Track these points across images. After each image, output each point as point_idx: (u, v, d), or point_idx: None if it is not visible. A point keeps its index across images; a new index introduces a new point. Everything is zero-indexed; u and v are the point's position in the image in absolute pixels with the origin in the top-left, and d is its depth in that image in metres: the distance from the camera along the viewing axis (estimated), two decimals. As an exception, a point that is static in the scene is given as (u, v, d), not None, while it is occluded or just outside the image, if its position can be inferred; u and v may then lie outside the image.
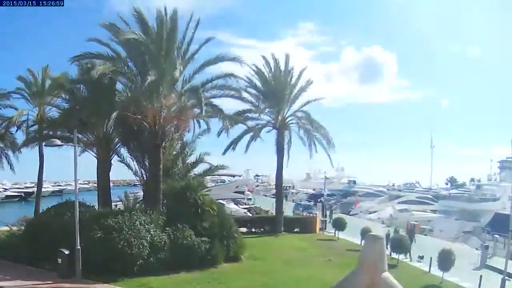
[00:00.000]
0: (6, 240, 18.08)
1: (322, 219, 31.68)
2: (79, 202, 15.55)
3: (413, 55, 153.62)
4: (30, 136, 26.03)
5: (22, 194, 65.97)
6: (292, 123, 28.85)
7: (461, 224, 33.18)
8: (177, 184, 19.57)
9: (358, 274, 7.47)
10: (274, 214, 29.63)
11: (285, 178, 33.25)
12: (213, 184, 44.69)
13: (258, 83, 28.29)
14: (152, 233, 15.68)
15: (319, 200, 47.67)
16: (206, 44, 19.07)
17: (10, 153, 26.56)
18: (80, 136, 19.51)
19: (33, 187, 52.50)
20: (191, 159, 24.99)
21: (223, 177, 52.68)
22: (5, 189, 68.93)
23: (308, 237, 26.69)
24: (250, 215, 35.00)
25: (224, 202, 31.12)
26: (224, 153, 27.96)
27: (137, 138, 20.08)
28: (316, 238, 26.76)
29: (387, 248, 14.20)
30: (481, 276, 15.58)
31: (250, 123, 28.11)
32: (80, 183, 51.57)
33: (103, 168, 21.82)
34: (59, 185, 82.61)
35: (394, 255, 19.47)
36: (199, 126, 22.62)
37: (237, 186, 49.24)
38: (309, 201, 51.19)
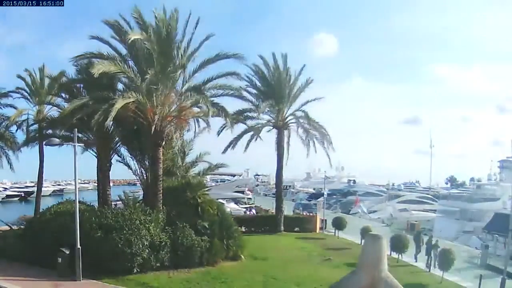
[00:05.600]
0: (6, 239, 18.08)
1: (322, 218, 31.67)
2: (79, 201, 15.55)
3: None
4: (30, 135, 26.02)
5: (22, 193, 65.92)
6: (292, 123, 28.88)
7: (461, 224, 33.17)
8: (177, 184, 19.58)
9: (358, 273, 7.48)
10: (274, 213, 29.63)
11: (285, 177, 33.21)
12: (213, 184, 44.59)
13: (258, 83, 28.32)
14: (152, 232, 15.68)
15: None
16: (206, 41, 18.92)
17: (10, 152, 26.51)
18: (80, 135, 19.48)
19: (33, 186, 52.42)
20: (191, 158, 25.02)
21: (223, 177, 52.51)
22: (5, 189, 68.82)
23: (308, 236, 26.71)
24: (250, 214, 35.00)
25: (224, 202, 31.10)
26: (224, 152, 27.99)
27: (137, 138, 20.07)
28: (316, 237, 26.76)
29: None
30: (481, 275, 15.59)
31: (250, 123, 28.14)
32: (80, 183, 51.73)
33: (103, 168, 21.81)
34: (59, 185, 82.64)
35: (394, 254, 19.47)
36: (199, 126, 22.61)
37: (237, 186, 49.03)
38: (309, 201, 51.17)
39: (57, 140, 16.99)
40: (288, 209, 35.20)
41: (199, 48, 18.91)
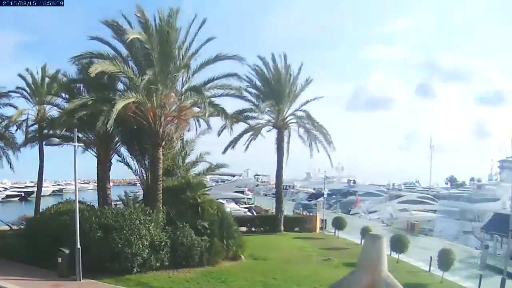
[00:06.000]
0: (6, 239, 18.08)
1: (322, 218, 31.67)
2: (79, 201, 15.55)
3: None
4: (30, 135, 26.01)
5: (22, 193, 65.90)
6: (292, 123, 28.90)
7: (461, 224, 33.17)
8: (177, 183, 19.58)
9: (358, 273, 7.47)
10: (274, 213, 29.64)
11: (285, 177, 33.23)
12: (213, 184, 44.61)
13: (258, 83, 28.34)
14: (152, 232, 15.68)
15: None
16: (207, 43, 18.96)
17: (10, 152, 26.51)
18: (80, 135, 19.48)
19: (33, 186, 52.44)
20: (191, 158, 25.04)
21: (223, 177, 52.54)
22: (5, 189, 68.79)
23: (308, 236, 26.72)
24: (250, 214, 35.01)
25: (224, 202, 31.12)
26: (224, 152, 28.00)
27: (137, 138, 20.07)
28: (316, 237, 26.78)
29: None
30: (480, 275, 15.59)
31: (250, 122, 28.16)
32: (80, 183, 51.76)
33: (103, 167, 21.80)
34: (59, 185, 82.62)
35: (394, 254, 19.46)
36: (199, 125, 22.64)
37: (237, 186, 49.10)
38: (309, 201, 51.19)
39: (57, 140, 17.03)
40: (288, 209, 35.20)
41: (199, 49, 18.93)
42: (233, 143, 27.94)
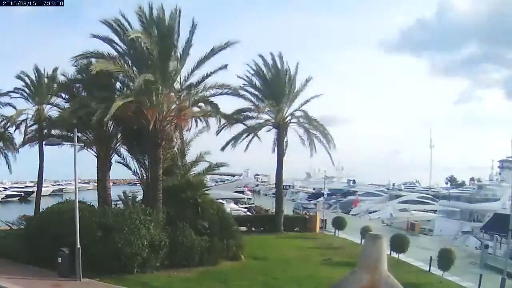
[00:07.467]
0: (6, 239, 18.08)
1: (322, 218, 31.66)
2: (79, 201, 15.54)
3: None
4: (30, 135, 26.03)
5: (22, 193, 65.84)
6: (292, 122, 28.88)
7: (461, 224, 33.15)
8: (177, 183, 19.59)
9: (358, 273, 7.46)
10: (274, 213, 29.64)
11: (285, 177, 33.23)
12: (213, 184, 44.62)
13: (258, 82, 28.30)
14: (152, 232, 15.67)
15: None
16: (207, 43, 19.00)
17: (8, 153, 26.52)
18: (80, 135, 19.48)
19: (33, 186, 52.40)
20: (191, 158, 25.01)
21: (223, 177, 52.57)
22: (5, 189, 68.72)
23: (308, 236, 26.70)
24: (250, 214, 35.01)
25: (224, 202, 31.11)
26: (222, 149, 27.88)
27: (137, 137, 20.07)
28: (316, 237, 26.75)
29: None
30: (481, 275, 15.57)
31: (250, 122, 28.11)
32: (80, 182, 51.70)
33: (103, 167, 21.81)
34: (59, 185, 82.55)
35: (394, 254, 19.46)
36: (196, 125, 22.65)
37: (237, 186, 49.15)
38: (309, 200, 51.20)
39: (57, 140, 17.05)
40: (288, 209, 35.21)
41: (208, 55, 18.84)
42: (231, 141, 27.90)
